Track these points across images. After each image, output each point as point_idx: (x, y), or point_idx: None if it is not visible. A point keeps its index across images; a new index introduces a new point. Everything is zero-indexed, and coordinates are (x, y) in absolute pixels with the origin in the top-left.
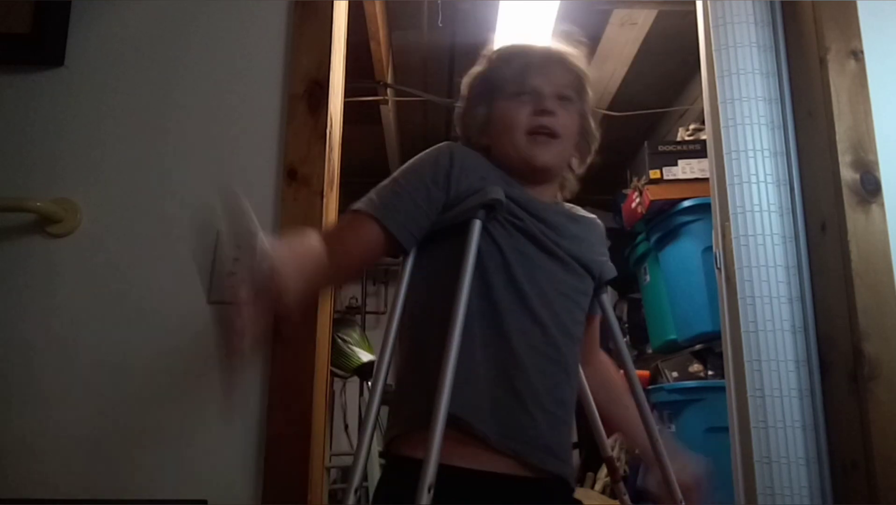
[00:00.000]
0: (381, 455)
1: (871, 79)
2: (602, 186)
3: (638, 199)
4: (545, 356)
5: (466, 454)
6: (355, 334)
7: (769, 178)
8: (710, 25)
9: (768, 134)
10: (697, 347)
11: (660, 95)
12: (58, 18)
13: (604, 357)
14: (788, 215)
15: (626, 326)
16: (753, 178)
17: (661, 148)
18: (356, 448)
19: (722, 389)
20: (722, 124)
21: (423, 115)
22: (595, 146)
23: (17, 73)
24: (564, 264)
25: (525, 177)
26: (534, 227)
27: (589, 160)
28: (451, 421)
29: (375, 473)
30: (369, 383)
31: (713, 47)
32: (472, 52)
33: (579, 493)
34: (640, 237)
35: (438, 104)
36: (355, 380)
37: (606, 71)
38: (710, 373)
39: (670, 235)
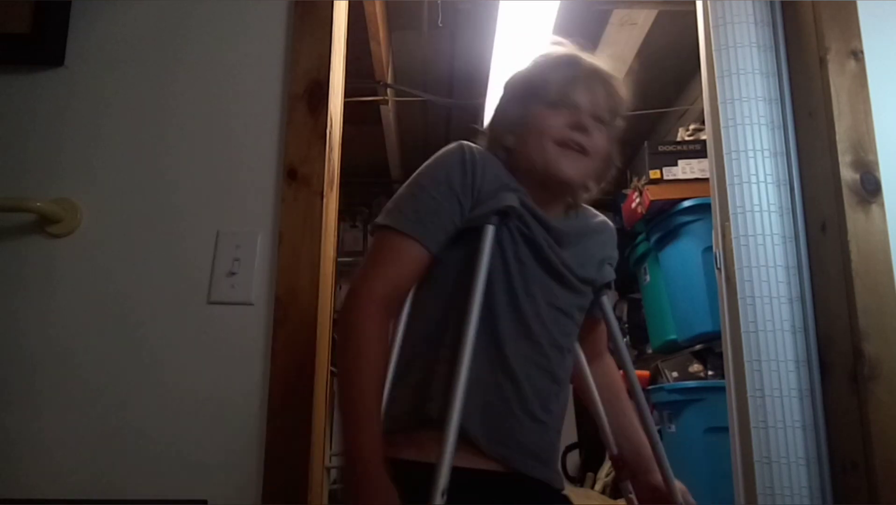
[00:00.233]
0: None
1: (871, 79)
2: (602, 186)
3: (638, 199)
4: (535, 365)
5: (456, 456)
6: None
7: (769, 178)
8: (710, 25)
9: (768, 134)
10: (697, 347)
11: (660, 95)
12: (58, 18)
13: (608, 360)
14: (788, 215)
15: (626, 326)
16: (753, 178)
17: (661, 148)
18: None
19: (722, 389)
20: (722, 124)
21: (423, 115)
22: (612, 174)
23: (17, 73)
24: (562, 278)
25: (542, 186)
26: (540, 238)
27: (602, 186)
28: (441, 424)
29: None
30: None
31: (713, 47)
32: (473, 52)
33: (580, 493)
34: (640, 237)
35: (438, 104)
36: None
37: None
38: (710, 373)
39: (670, 235)
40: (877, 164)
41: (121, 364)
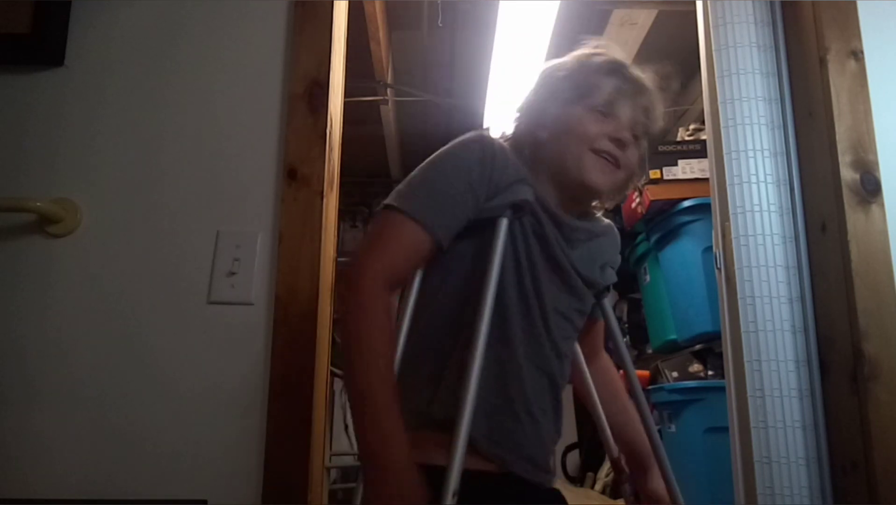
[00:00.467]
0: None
1: (871, 79)
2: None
3: (638, 199)
4: (538, 365)
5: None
6: None
7: (769, 178)
8: (710, 25)
9: (768, 134)
10: (697, 347)
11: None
12: (58, 18)
13: (605, 358)
14: (788, 215)
15: (626, 326)
16: (753, 178)
17: (661, 148)
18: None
19: (722, 389)
20: (722, 124)
21: (423, 115)
22: (631, 190)
23: (17, 73)
24: (568, 278)
25: (563, 187)
26: (551, 235)
27: (619, 200)
28: (446, 424)
29: None
30: None
31: (713, 47)
32: (473, 52)
33: (580, 493)
34: (640, 237)
35: (438, 104)
36: None
37: None
38: (710, 373)
39: (670, 235)
40: (877, 164)
41: (121, 364)
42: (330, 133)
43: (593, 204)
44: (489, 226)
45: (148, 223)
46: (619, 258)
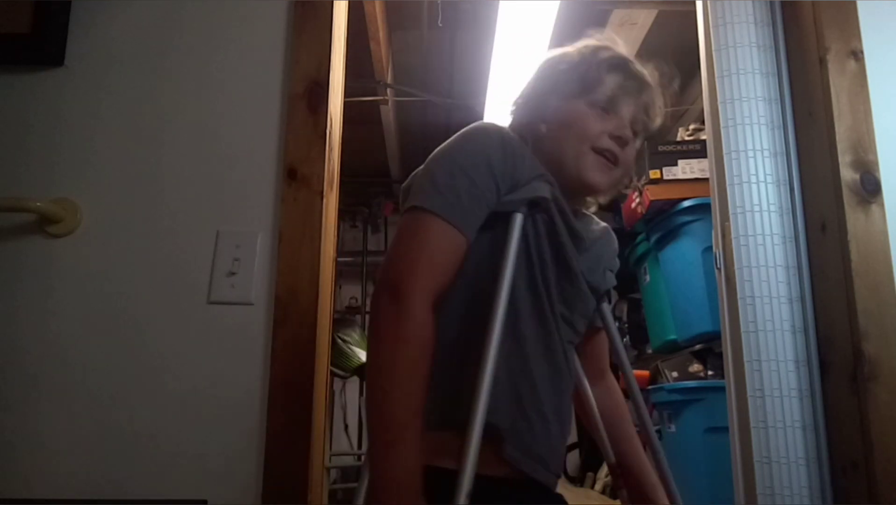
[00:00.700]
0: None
1: (871, 79)
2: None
3: (638, 199)
4: (551, 365)
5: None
6: (355, 334)
7: (769, 178)
8: (710, 25)
9: (768, 134)
10: (697, 347)
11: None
12: (58, 18)
13: (613, 382)
14: (788, 215)
15: (626, 326)
16: (753, 178)
17: (661, 148)
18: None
19: (722, 389)
20: (722, 124)
21: (423, 115)
22: (625, 186)
23: (17, 73)
24: (576, 281)
25: (564, 184)
26: (564, 237)
27: (613, 195)
28: (458, 425)
29: None
30: None
31: (713, 47)
32: (473, 52)
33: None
34: (640, 237)
35: (438, 104)
36: (355, 380)
37: None
38: (710, 373)
39: (670, 235)
40: (877, 164)
41: (121, 364)
42: (330, 133)
43: (591, 202)
44: (503, 219)
45: (148, 223)
46: (618, 262)
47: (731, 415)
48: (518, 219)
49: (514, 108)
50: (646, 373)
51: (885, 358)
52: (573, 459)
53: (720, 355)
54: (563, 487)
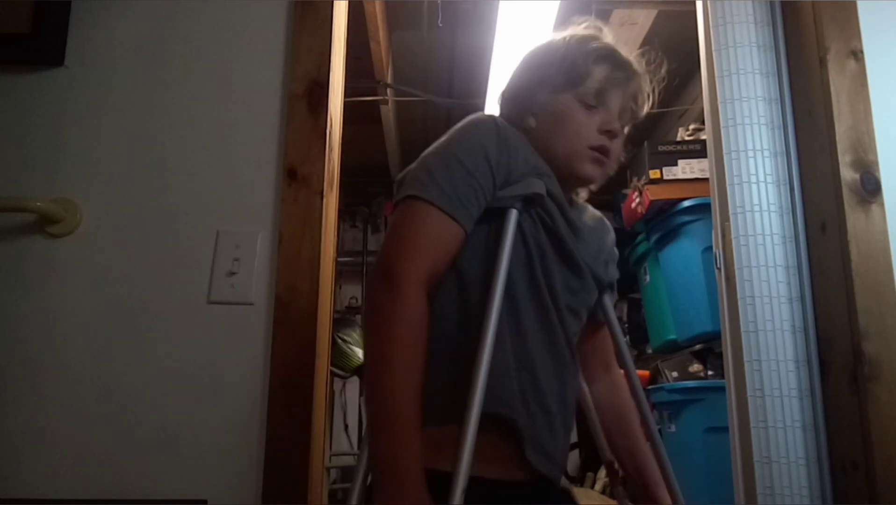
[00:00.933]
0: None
1: (871, 79)
2: (602, 186)
3: (638, 199)
4: (554, 356)
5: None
6: (355, 334)
7: (769, 178)
8: (710, 25)
9: (768, 134)
10: (697, 347)
11: (660, 95)
12: (58, 18)
13: (619, 377)
14: (788, 215)
15: (626, 326)
16: (753, 178)
17: (661, 148)
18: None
19: (722, 389)
20: (722, 124)
21: (423, 115)
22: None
23: (17, 73)
24: (579, 272)
25: (558, 176)
26: (563, 230)
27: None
28: (457, 420)
29: None
30: None
31: (713, 47)
32: (473, 52)
33: (579, 493)
34: (640, 237)
35: (438, 104)
36: (355, 380)
37: None
38: (710, 373)
39: (670, 235)
40: (877, 164)
41: (120, 364)
42: (330, 133)
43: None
44: (499, 214)
45: (148, 223)
46: (617, 253)
47: (731, 415)
48: (513, 215)
49: (501, 100)
50: (646, 373)
51: (885, 358)
52: (573, 458)
53: (720, 355)
54: None
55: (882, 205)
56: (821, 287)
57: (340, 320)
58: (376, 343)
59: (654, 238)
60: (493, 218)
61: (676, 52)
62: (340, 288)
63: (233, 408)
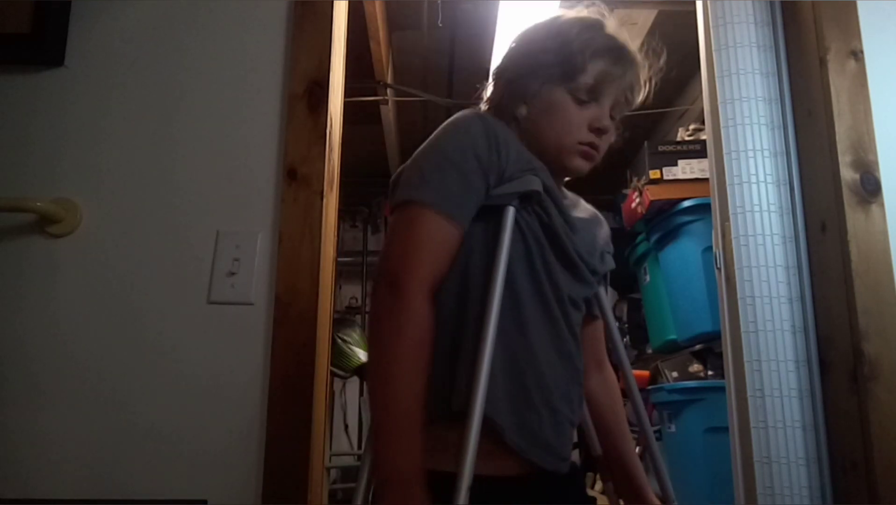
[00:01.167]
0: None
1: (871, 79)
2: (602, 186)
3: (638, 199)
4: (558, 351)
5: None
6: (355, 334)
7: (769, 178)
8: (710, 25)
9: (768, 134)
10: (697, 347)
11: (660, 95)
12: (58, 18)
13: (611, 375)
14: (788, 215)
15: (626, 326)
16: (753, 178)
17: (661, 148)
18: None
19: (722, 389)
20: (722, 124)
21: (423, 115)
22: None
23: (17, 73)
24: (575, 266)
25: (547, 165)
26: (558, 224)
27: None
28: (456, 418)
29: None
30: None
31: (713, 47)
32: (473, 52)
33: None
34: (640, 237)
35: (438, 104)
36: (355, 380)
37: None
38: (710, 373)
39: (670, 235)
40: (877, 164)
41: (121, 364)
42: (330, 133)
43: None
44: (495, 211)
45: (148, 223)
46: (612, 246)
47: (731, 415)
48: (510, 212)
49: (493, 80)
50: (646, 373)
51: (885, 358)
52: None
53: (720, 355)
54: None
55: (882, 205)
56: (821, 287)
57: (340, 320)
58: (382, 351)
59: (654, 238)
60: (491, 215)
61: (676, 52)
62: (340, 288)
63: (233, 408)
